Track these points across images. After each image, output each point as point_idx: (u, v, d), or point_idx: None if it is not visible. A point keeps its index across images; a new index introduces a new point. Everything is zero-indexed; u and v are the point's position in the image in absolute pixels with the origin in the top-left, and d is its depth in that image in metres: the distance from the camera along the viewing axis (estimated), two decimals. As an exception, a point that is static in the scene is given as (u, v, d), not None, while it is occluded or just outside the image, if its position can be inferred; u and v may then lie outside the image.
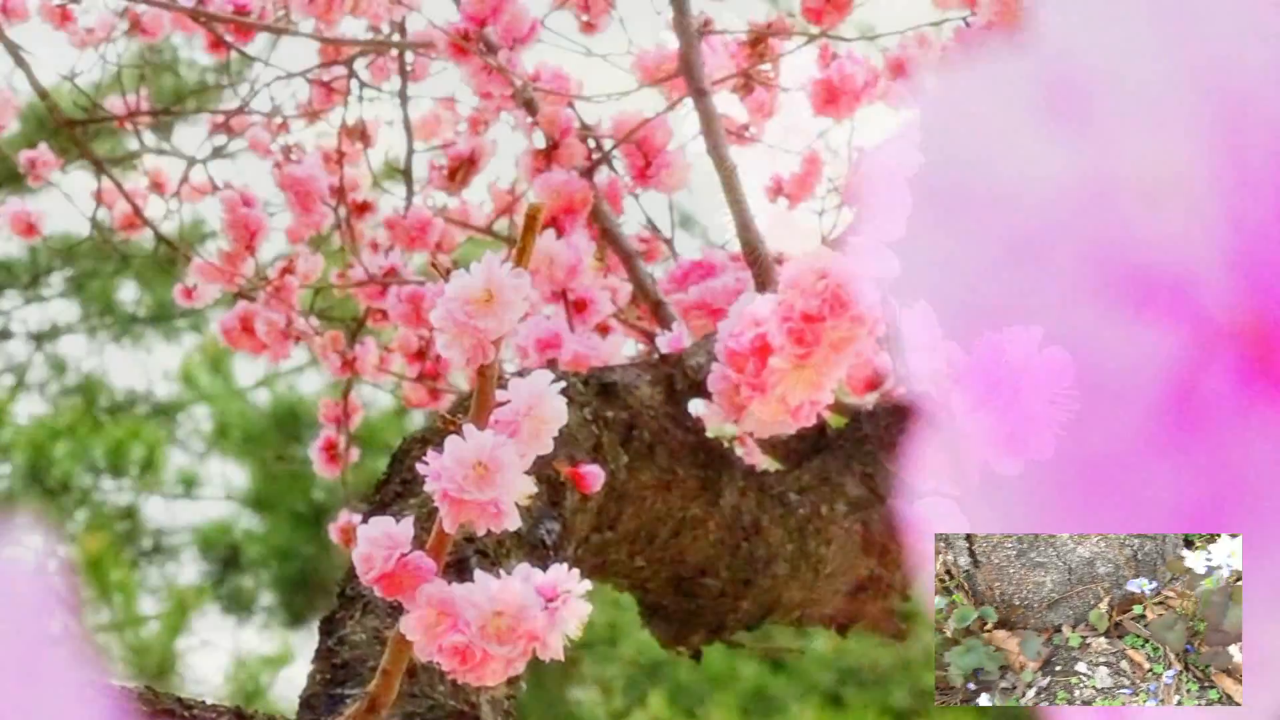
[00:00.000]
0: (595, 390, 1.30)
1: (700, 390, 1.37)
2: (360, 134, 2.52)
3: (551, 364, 1.51)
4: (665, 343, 1.46)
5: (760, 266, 1.70)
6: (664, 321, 1.84)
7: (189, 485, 6.38)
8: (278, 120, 3.18)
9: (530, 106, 1.95)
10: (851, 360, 1.28)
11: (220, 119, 3.55)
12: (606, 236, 1.92)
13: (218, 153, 3.43)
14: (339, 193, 2.42)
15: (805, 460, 1.71)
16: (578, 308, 1.71)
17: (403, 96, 2.55)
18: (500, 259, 0.91)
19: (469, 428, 0.89)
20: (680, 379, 1.38)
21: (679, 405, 1.37)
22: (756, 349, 1.27)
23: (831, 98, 1.89)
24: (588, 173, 1.88)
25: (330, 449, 2.41)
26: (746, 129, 2.17)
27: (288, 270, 2.38)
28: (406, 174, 2.55)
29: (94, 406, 6.38)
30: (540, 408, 0.91)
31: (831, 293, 1.20)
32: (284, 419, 6.15)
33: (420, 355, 2.39)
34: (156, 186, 3.44)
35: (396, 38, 2.48)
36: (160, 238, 3.47)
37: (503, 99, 1.97)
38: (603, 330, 1.83)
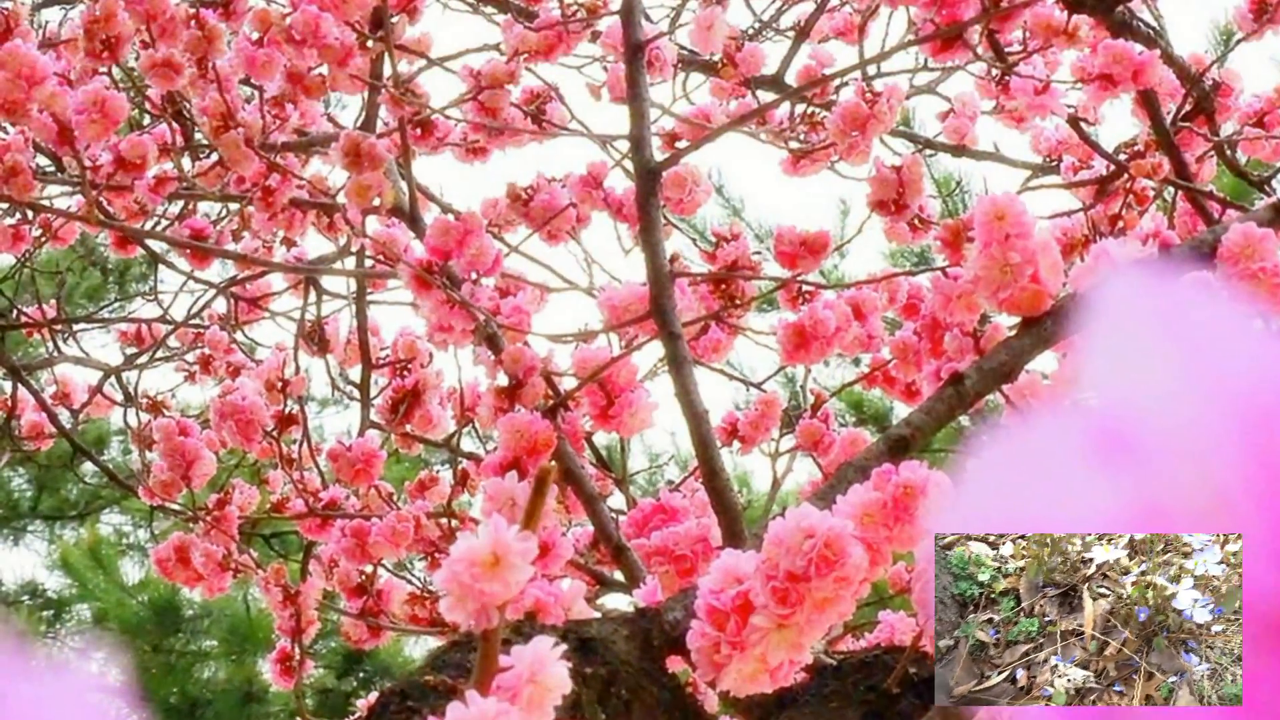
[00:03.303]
0: (574, 646, 1.34)
1: (677, 646, 1.41)
2: (317, 338, 2.58)
3: (530, 617, 1.54)
4: (641, 595, 1.50)
5: (730, 515, 1.76)
6: (626, 567, 1.88)
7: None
8: (193, 330, 3.23)
9: (493, 342, 2.01)
10: (833, 620, 1.33)
11: (132, 328, 3.60)
12: (569, 478, 1.97)
13: (130, 362, 3.47)
14: (281, 420, 2.47)
15: (769, 716, 1.74)
16: (540, 552, 1.74)
17: (360, 316, 2.61)
18: (504, 521, 0.95)
19: (471, 694, 0.93)
20: (658, 634, 1.42)
21: (655, 661, 1.41)
22: (738, 606, 1.31)
23: (802, 342, 1.96)
24: (550, 413, 1.93)
25: (284, 660, 2.41)
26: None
27: (224, 501, 2.41)
28: (364, 390, 2.60)
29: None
30: (543, 675, 0.95)
31: (818, 553, 1.25)
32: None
33: (361, 590, 2.40)
34: (64, 398, 3.47)
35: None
36: (75, 446, 3.49)
37: (463, 333, 2.03)
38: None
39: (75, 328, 3.63)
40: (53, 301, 3.59)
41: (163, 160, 2.56)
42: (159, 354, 3.36)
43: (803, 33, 2.79)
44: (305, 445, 2.53)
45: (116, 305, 5.14)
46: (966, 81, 2.76)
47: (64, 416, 3.42)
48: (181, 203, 2.95)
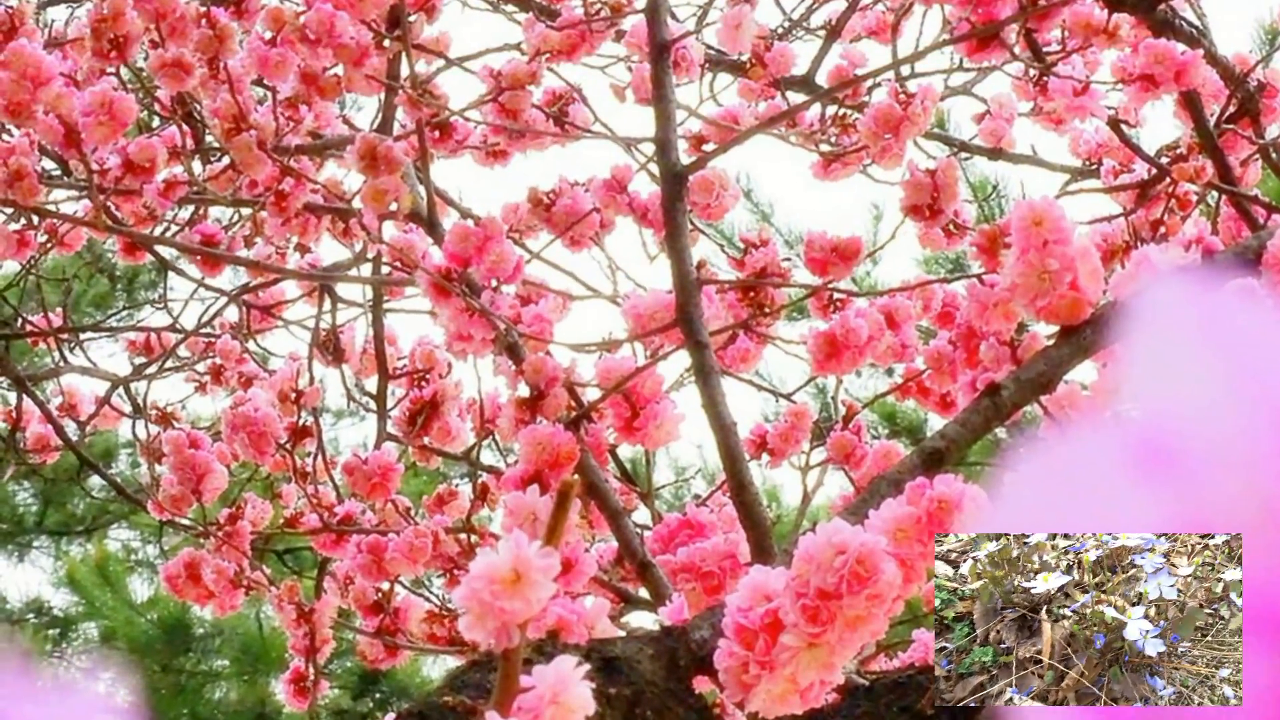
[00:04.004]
0: (598, 665, 1.34)
1: (705, 665, 1.41)
2: (332, 347, 2.59)
3: (552, 635, 1.54)
4: (667, 613, 1.50)
5: (759, 530, 1.76)
6: (651, 584, 1.88)
7: None
8: (205, 339, 3.24)
9: (514, 352, 2.01)
10: (865, 639, 1.33)
11: (140, 337, 3.61)
12: (592, 492, 1.97)
13: (138, 372, 3.48)
14: (295, 433, 2.47)
15: (800, 739, 1.74)
16: (563, 568, 1.75)
17: (377, 325, 2.61)
18: (525, 537, 0.95)
19: (492, 715, 0.93)
20: (684, 654, 1.42)
21: (681, 681, 1.41)
22: (767, 625, 1.31)
23: (834, 352, 1.96)
24: (573, 424, 1.93)
25: (298, 680, 2.41)
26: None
27: (236, 516, 2.41)
28: (380, 401, 2.61)
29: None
30: (565, 695, 0.95)
31: (850, 569, 1.25)
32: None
33: (377, 608, 2.40)
34: (70, 409, 3.48)
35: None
36: (82, 459, 3.50)
37: (483, 342, 2.03)
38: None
39: (82, 337, 3.65)
40: (59, 310, 3.60)
41: (172, 164, 2.57)
42: (168, 364, 3.37)
43: (834, 32, 2.80)
44: (320, 458, 2.54)
45: (125, 313, 5.17)
46: (1003, 82, 2.76)
47: (70, 428, 3.43)
48: (192, 207, 2.97)
